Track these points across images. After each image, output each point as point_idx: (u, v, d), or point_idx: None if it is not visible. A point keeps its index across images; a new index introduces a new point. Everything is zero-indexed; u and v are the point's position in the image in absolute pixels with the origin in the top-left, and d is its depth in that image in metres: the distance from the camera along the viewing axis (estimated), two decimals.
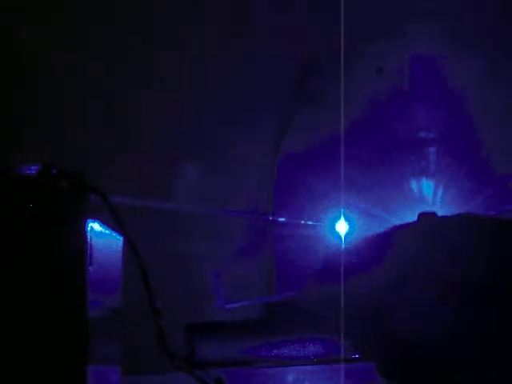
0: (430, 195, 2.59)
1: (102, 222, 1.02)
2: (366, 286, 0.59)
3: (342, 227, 2.56)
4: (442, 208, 2.51)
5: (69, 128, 2.10)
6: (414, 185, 2.61)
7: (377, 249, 0.60)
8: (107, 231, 1.06)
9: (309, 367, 1.55)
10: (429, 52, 2.54)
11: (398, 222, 2.53)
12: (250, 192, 2.54)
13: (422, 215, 0.75)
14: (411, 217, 2.62)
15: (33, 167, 0.92)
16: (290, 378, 1.56)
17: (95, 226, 1.00)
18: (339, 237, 2.56)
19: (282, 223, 2.59)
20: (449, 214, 2.41)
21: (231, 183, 2.44)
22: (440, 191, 2.58)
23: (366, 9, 2.40)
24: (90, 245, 0.97)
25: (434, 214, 0.73)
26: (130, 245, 0.98)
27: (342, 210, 2.54)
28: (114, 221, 0.98)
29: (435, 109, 2.58)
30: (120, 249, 1.11)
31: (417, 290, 0.56)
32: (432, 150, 2.62)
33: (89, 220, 0.96)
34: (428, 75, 2.58)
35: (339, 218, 2.55)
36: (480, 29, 2.45)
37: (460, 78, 2.51)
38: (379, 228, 2.54)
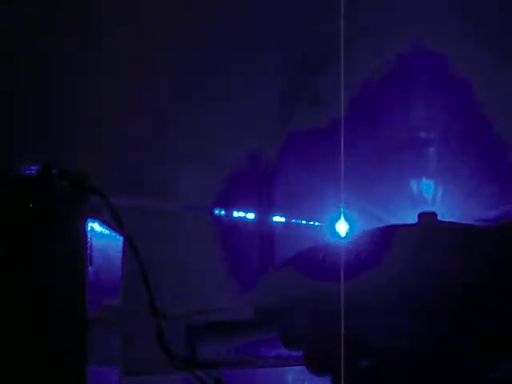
0: (429, 195, 2.59)
1: (102, 222, 1.02)
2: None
3: (341, 227, 2.56)
4: (441, 208, 2.51)
5: (69, 128, 2.10)
6: (413, 185, 2.61)
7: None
8: (107, 231, 1.06)
9: None
10: (429, 51, 2.54)
11: (396, 222, 2.53)
12: (249, 192, 2.54)
13: (421, 215, 0.74)
14: (411, 217, 2.62)
15: (33, 167, 0.92)
16: (290, 378, 1.55)
17: (95, 226, 1.00)
18: (339, 237, 2.56)
19: (282, 223, 2.59)
20: (446, 216, 2.41)
21: (231, 183, 2.44)
22: (440, 191, 2.58)
23: (367, 7, 2.40)
24: (90, 245, 0.97)
25: (434, 213, 0.72)
26: (130, 245, 0.98)
27: (341, 209, 2.54)
28: (113, 221, 0.97)
29: (435, 108, 2.58)
30: (120, 249, 1.11)
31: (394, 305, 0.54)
32: (432, 150, 2.62)
33: (89, 220, 0.96)
34: (428, 74, 2.58)
35: (339, 217, 2.55)
36: (481, 27, 2.45)
37: (461, 77, 2.51)
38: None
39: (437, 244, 0.54)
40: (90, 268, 0.96)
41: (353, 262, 0.56)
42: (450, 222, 0.59)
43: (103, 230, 1.04)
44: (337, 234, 2.57)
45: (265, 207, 2.59)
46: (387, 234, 0.58)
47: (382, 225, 0.63)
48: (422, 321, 0.52)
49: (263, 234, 2.58)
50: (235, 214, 2.46)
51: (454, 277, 0.52)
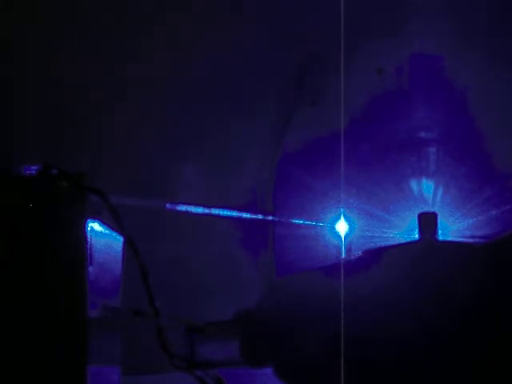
0: (430, 195, 2.59)
1: (102, 222, 1.02)
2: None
3: (341, 227, 2.56)
4: (442, 208, 2.51)
5: (69, 128, 2.10)
6: (413, 185, 2.61)
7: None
8: (107, 231, 1.06)
9: None
10: (429, 51, 2.54)
11: (396, 222, 2.54)
12: (249, 192, 2.54)
13: (421, 215, 0.74)
14: (411, 217, 2.63)
15: (33, 167, 0.92)
16: None
17: (95, 226, 1.00)
18: (339, 237, 2.56)
19: (282, 223, 2.59)
20: (449, 218, 2.41)
21: (231, 183, 2.44)
22: (440, 191, 2.58)
23: (366, 8, 2.40)
24: (90, 245, 0.97)
25: (434, 213, 0.72)
26: (130, 245, 0.98)
27: (341, 210, 2.54)
28: (113, 221, 0.98)
29: (435, 109, 2.58)
30: (120, 249, 1.11)
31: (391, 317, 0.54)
32: (432, 150, 2.62)
33: (89, 220, 0.96)
34: (428, 75, 2.58)
35: (339, 218, 2.55)
36: (481, 28, 2.45)
37: (460, 77, 2.51)
38: (379, 228, 2.54)
39: (435, 261, 0.55)
40: (90, 268, 0.96)
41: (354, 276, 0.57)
42: (448, 241, 0.59)
43: (103, 229, 1.04)
44: (337, 234, 2.57)
45: (266, 207, 2.59)
46: (387, 252, 0.58)
47: (381, 225, 0.63)
48: (420, 333, 0.52)
49: (264, 233, 2.58)
50: (236, 214, 2.46)
51: (453, 293, 0.52)
